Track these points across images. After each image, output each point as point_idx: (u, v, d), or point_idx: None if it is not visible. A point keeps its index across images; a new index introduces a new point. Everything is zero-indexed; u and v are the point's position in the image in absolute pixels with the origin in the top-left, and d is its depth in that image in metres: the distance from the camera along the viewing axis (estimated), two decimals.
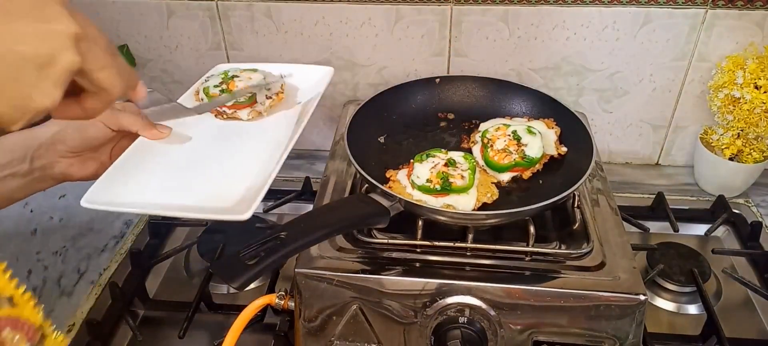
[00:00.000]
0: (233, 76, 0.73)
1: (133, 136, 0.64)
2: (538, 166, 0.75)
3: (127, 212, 0.57)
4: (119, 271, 0.87)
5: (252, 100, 0.71)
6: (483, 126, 0.83)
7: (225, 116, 0.71)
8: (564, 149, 0.78)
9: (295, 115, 0.72)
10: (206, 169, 0.63)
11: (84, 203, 0.55)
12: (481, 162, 0.76)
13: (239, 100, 0.70)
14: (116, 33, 1.01)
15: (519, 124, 0.78)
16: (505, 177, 0.74)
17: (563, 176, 0.74)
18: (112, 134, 0.63)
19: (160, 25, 1.00)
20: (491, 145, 0.75)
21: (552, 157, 0.77)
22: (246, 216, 0.52)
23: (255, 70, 0.75)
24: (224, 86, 0.72)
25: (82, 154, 0.63)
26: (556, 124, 0.81)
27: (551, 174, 0.76)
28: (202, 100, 0.72)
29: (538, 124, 0.80)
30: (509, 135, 0.76)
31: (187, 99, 0.73)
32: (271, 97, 0.73)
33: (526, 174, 0.74)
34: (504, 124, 0.78)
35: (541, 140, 0.76)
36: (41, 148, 0.60)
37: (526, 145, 0.75)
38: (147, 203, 0.58)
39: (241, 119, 0.71)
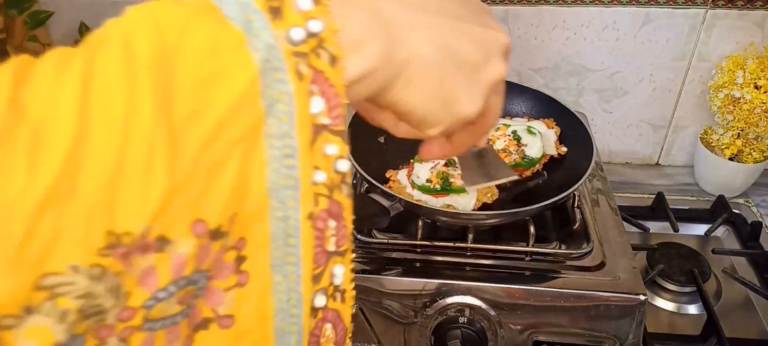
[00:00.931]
0: None
1: None
2: (538, 167, 0.75)
3: None
4: None
5: (532, 166, 0.74)
6: None
7: None
8: (564, 149, 0.78)
9: None
10: None
11: None
12: None
13: None
14: None
15: (519, 125, 0.78)
16: None
17: (563, 176, 0.74)
18: None
19: None
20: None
21: (552, 157, 0.77)
22: None
23: None
24: None
25: None
26: (556, 124, 0.81)
27: (551, 174, 0.76)
28: None
29: (538, 125, 0.80)
30: (509, 135, 0.76)
31: None
32: None
33: (526, 174, 0.74)
34: (504, 125, 0.78)
35: (541, 140, 0.76)
36: None
37: (526, 145, 0.75)
38: None
39: None
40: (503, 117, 0.85)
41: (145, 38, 0.23)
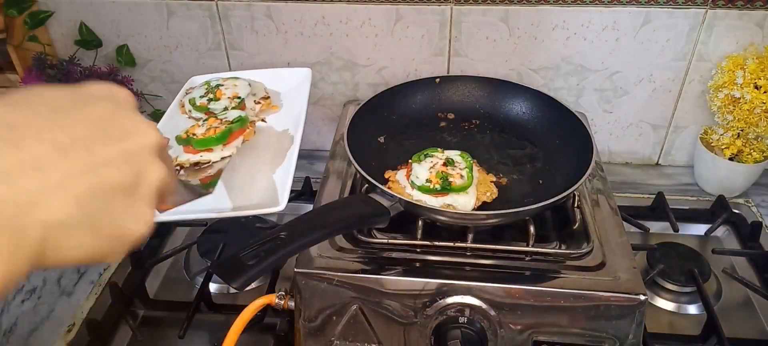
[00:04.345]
0: (218, 85, 0.74)
1: None
2: (257, 120, 0.70)
3: (168, 219, 0.57)
4: (119, 271, 0.87)
5: (244, 125, 0.69)
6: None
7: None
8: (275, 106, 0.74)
9: (288, 113, 0.73)
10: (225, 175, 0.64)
11: None
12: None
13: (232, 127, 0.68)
14: (116, 33, 1.01)
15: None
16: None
17: (563, 176, 0.74)
18: None
19: (160, 25, 1.00)
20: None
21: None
22: (281, 207, 0.55)
23: (236, 78, 0.76)
24: (211, 96, 0.72)
25: None
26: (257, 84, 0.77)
27: (551, 174, 0.76)
28: (189, 112, 0.73)
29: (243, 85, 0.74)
30: (196, 118, 0.70)
31: (173, 111, 0.74)
32: (259, 102, 0.73)
33: (248, 133, 0.67)
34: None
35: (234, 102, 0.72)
36: None
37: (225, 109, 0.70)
38: (186, 210, 0.57)
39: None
40: (501, 118, 0.85)
41: None
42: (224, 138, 0.64)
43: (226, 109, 0.70)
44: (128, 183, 0.30)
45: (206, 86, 0.74)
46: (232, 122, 0.66)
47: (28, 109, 0.28)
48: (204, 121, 0.66)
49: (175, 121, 0.73)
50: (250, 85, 0.75)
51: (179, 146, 0.66)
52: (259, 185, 0.61)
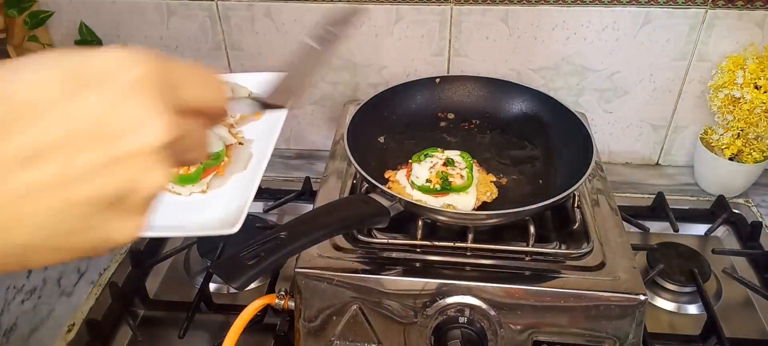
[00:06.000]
0: None
1: None
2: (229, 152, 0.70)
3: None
4: (119, 271, 0.87)
5: (219, 162, 0.68)
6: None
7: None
8: (242, 136, 0.75)
9: (267, 124, 0.73)
10: (189, 188, 0.64)
11: None
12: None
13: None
14: (116, 33, 1.01)
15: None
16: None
17: (563, 176, 0.74)
18: None
19: (160, 25, 1.00)
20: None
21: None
22: (234, 230, 0.53)
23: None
24: None
25: None
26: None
27: (551, 174, 0.76)
28: None
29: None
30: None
31: None
32: None
33: (219, 170, 0.68)
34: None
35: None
36: None
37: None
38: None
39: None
40: (503, 117, 0.85)
41: None
42: (197, 178, 0.65)
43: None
44: (114, 196, 0.25)
45: None
46: (208, 157, 0.64)
47: (2, 105, 0.23)
48: None
49: None
50: (232, 90, 0.73)
51: None
52: (222, 201, 0.61)
